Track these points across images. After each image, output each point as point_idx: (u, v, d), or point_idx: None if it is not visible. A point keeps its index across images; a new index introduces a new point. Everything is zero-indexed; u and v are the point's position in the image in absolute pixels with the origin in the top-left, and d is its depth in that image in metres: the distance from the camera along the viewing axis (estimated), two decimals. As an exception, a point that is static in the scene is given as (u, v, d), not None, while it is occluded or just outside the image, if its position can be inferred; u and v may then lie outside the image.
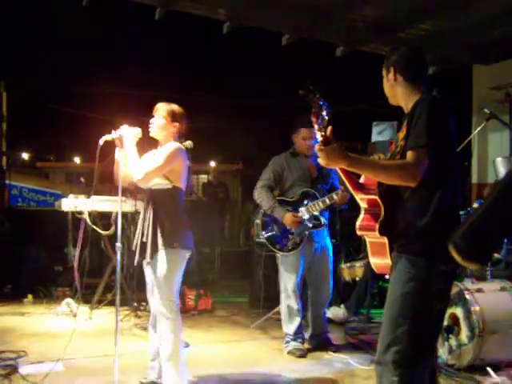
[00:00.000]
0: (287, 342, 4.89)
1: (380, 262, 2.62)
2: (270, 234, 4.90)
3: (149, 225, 3.66)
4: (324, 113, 2.43)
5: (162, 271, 3.58)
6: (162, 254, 3.59)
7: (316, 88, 2.45)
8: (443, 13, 6.09)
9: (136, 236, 3.77)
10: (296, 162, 4.98)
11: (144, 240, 3.66)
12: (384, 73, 2.74)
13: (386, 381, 2.44)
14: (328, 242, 5.00)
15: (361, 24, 6.43)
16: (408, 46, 2.80)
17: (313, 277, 4.99)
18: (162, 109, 3.82)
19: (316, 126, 2.43)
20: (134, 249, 3.74)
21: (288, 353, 4.83)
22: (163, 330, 3.60)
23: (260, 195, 4.90)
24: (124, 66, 15.36)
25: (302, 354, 4.77)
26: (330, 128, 2.43)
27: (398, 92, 2.69)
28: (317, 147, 2.45)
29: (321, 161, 2.46)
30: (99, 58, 14.84)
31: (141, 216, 3.81)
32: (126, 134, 3.66)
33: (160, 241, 3.60)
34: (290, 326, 4.89)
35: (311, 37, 6.81)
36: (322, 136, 2.41)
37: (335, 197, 4.76)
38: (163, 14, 6.13)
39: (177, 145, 3.74)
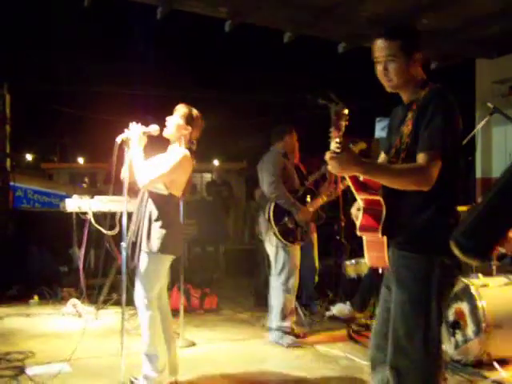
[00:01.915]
0: (281, 336, 4.97)
1: (376, 255, 2.57)
2: (284, 227, 5.03)
3: (138, 226, 3.75)
4: (343, 121, 2.31)
5: (141, 272, 3.73)
6: (143, 255, 3.71)
7: (337, 96, 2.35)
8: (445, 7, 6.06)
9: (129, 236, 3.81)
10: (287, 162, 5.27)
11: (133, 240, 3.75)
12: (401, 57, 2.45)
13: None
14: None
15: (362, 20, 6.41)
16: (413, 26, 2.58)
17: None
18: (180, 110, 3.87)
19: (337, 139, 2.30)
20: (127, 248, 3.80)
21: (287, 347, 4.91)
22: (141, 325, 3.78)
23: (278, 189, 5.03)
24: (127, 66, 15.37)
25: (301, 345, 4.98)
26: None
27: (412, 80, 2.52)
28: (328, 155, 2.33)
29: (332, 169, 2.34)
30: (102, 58, 14.85)
31: (134, 215, 3.84)
32: (133, 134, 3.69)
33: (144, 243, 3.70)
34: (286, 320, 5.01)
35: (313, 34, 6.79)
36: (338, 148, 2.29)
37: (330, 193, 5.22)
38: (165, 14, 6.12)
39: (184, 153, 3.76)
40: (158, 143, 3.94)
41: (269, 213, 5.04)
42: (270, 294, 5.21)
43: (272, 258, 5.14)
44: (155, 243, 3.68)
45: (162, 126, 3.86)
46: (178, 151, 3.78)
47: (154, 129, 3.79)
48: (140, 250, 3.71)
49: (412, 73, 2.50)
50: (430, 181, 2.32)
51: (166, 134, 3.86)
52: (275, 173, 5.08)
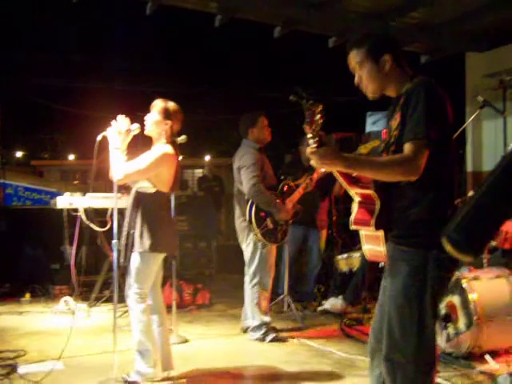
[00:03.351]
0: (266, 333, 4.97)
1: (374, 249, 2.57)
2: (265, 229, 4.96)
3: (130, 227, 3.76)
4: (317, 117, 2.32)
5: (133, 269, 3.74)
6: (135, 254, 3.72)
7: (307, 92, 2.36)
8: (435, 1, 6.07)
9: (123, 236, 3.83)
10: (262, 156, 5.13)
11: (125, 241, 3.77)
12: (369, 63, 2.53)
13: (401, 378, 2.40)
14: None
15: (352, 14, 6.41)
16: (380, 32, 2.64)
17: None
18: (156, 105, 3.85)
19: (310, 135, 2.33)
20: (121, 248, 3.82)
21: (271, 341, 4.93)
22: (132, 321, 3.80)
23: (260, 191, 4.90)
24: (117, 61, 15.29)
25: (285, 339, 5.01)
26: (321, 133, 2.34)
27: (391, 81, 2.54)
28: (309, 150, 2.35)
29: (314, 163, 2.37)
30: (92, 54, 14.77)
31: (126, 216, 3.85)
32: (110, 133, 3.69)
33: (136, 242, 3.71)
34: (265, 317, 5.01)
35: (303, 28, 6.78)
36: (315, 142, 2.32)
37: (306, 186, 5.20)
38: (154, 9, 6.09)
39: (164, 150, 3.76)
40: (148, 142, 3.94)
41: (250, 215, 4.93)
42: (245, 293, 5.15)
43: (247, 257, 5.07)
44: (147, 242, 3.69)
45: None
46: (158, 148, 3.78)
47: (133, 127, 3.78)
48: (132, 250, 3.72)
49: (387, 74, 2.53)
50: (417, 170, 2.31)
51: (147, 132, 3.86)
52: (255, 173, 4.92)
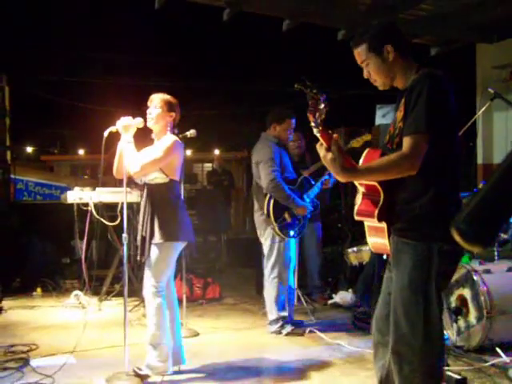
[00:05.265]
0: (282, 326, 5.00)
1: (378, 241, 2.58)
2: (283, 223, 4.96)
3: (146, 220, 3.77)
4: (321, 106, 2.29)
5: (152, 261, 3.76)
6: (154, 246, 3.74)
7: (312, 81, 2.34)
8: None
9: (139, 231, 3.86)
10: (281, 151, 5.10)
11: (143, 234, 3.78)
12: (372, 57, 2.53)
13: (408, 370, 2.40)
14: None
15: (361, 6, 6.37)
16: (381, 21, 2.64)
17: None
18: (157, 99, 3.86)
19: (312, 124, 2.31)
20: (137, 244, 3.88)
21: (286, 335, 4.95)
22: (148, 314, 3.84)
23: (278, 186, 4.87)
24: (125, 56, 15.30)
25: (302, 333, 5.00)
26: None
27: (395, 71, 2.54)
28: (321, 154, 2.35)
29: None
30: (101, 49, 14.80)
31: (140, 211, 3.86)
32: (120, 126, 3.70)
33: (155, 235, 3.72)
34: (283, 312, 5.02)
35: (312, 21, 6.76)
36: (318, 131, 2.30)
37: (325, 182, 5.22)
38: (163, 3, 6.09)
39: (174, 138, 3.81)
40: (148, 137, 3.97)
41: (268, 209, 4.93)
42: (264, 287, 5.17)
43: (266, 251, 5.08)
44: (165, 233, 3.71)
45: None
46: (167, 138, 3.82)
47: (137, 122, 3.79)
48: (151, 242, 3.74)
49: (394, 65, 2.53)
50: (414, 166, 2.32)
51: (152, 126, 3.87)
52: (274, 168, 4.89)
